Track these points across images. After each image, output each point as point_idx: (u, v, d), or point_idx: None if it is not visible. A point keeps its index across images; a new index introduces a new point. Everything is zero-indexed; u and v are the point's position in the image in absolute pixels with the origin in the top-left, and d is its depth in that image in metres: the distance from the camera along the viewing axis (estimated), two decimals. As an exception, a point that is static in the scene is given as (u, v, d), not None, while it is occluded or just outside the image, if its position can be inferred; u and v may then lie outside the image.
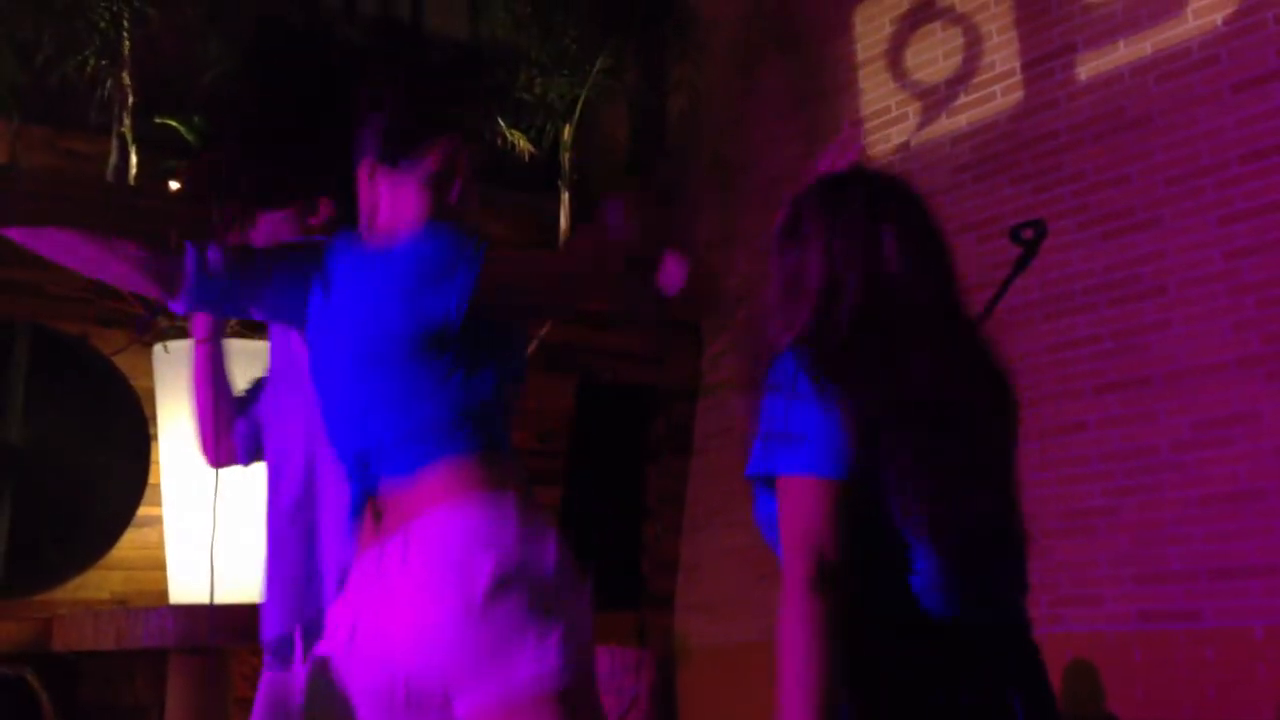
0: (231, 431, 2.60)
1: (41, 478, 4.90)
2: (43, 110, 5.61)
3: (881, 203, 1.88)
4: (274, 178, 2.48)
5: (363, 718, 1.98)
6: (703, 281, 6.78)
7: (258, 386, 2.67)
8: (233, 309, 2.32)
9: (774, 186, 6.46)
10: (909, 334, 1.78)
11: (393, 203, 2.15)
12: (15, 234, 2.23)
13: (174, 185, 5.31)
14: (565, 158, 6.49)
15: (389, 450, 2.00)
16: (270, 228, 2.45)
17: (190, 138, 5.48)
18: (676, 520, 6.39)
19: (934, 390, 1.76)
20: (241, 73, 5.85)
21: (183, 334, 4.35)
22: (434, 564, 1.90)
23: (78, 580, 4.84)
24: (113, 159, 5.52)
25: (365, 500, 2.04)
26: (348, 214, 2.46)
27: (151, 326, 2.42)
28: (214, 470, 2.61)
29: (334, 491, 2.32)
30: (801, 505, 1.73)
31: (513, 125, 6.38)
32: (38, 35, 5.53)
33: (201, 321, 2.62)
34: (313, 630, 2.28)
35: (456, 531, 1.93)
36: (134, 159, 5.49)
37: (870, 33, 6.22)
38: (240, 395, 2.65)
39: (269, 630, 2.42)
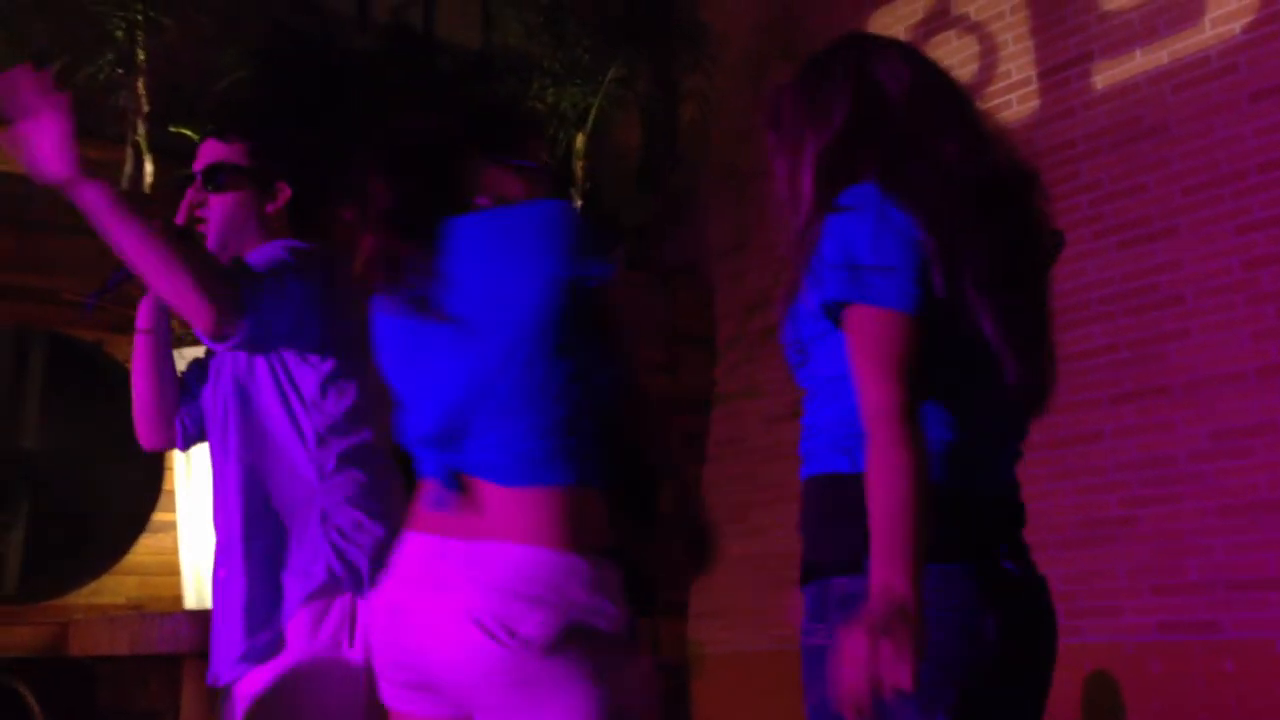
0: (174, 416, 2.59)
1: (57, 484, 4.92)
2: (59, 118, 5.63)
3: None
4: (228, 163, 2.45)
5: (384, 694, 1.96)
6: (716, 290, 6.79)
7: (196, 369, 2.66)
8: (269, 345, 2.31)
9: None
10: (983, 196, 1.75)
11: (499, 191, 2.05)
12: (106, 214, 2.19)
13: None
14: (578, 166, 6.50)
15: (490, 448, 1.87)
16: (221, 214, 2.44)
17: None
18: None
19: (1007, 252, 1.74)
20: (253, 80, 5.90)
21: (196, 341, 4.35)
22: (501, 596, 1.80)
23: (93, 586, 4.85)
24: (128, 168, 5.54)
25: (429, 479, 1.92)
26: (306, 200, 2.46)
27: (96, 308, 2.40)
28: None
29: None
30: (888, 337, 1.66)
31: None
32: (52, 44, 5.55)
33: (145, 310, 2.58)
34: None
35: (534, 571, 1.82)
36: (149, 167, 5.51)
37: (885, 42, 6.22)
38: (180, 379, 2.64)
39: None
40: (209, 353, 2.59)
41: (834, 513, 1.75)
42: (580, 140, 6.50)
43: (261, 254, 2.40)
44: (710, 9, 6.86)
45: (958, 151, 1.77)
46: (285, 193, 2.50)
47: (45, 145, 2.19)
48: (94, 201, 2.21)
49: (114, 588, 4.86)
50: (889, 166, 1.75)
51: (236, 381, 2.41)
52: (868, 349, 1.67)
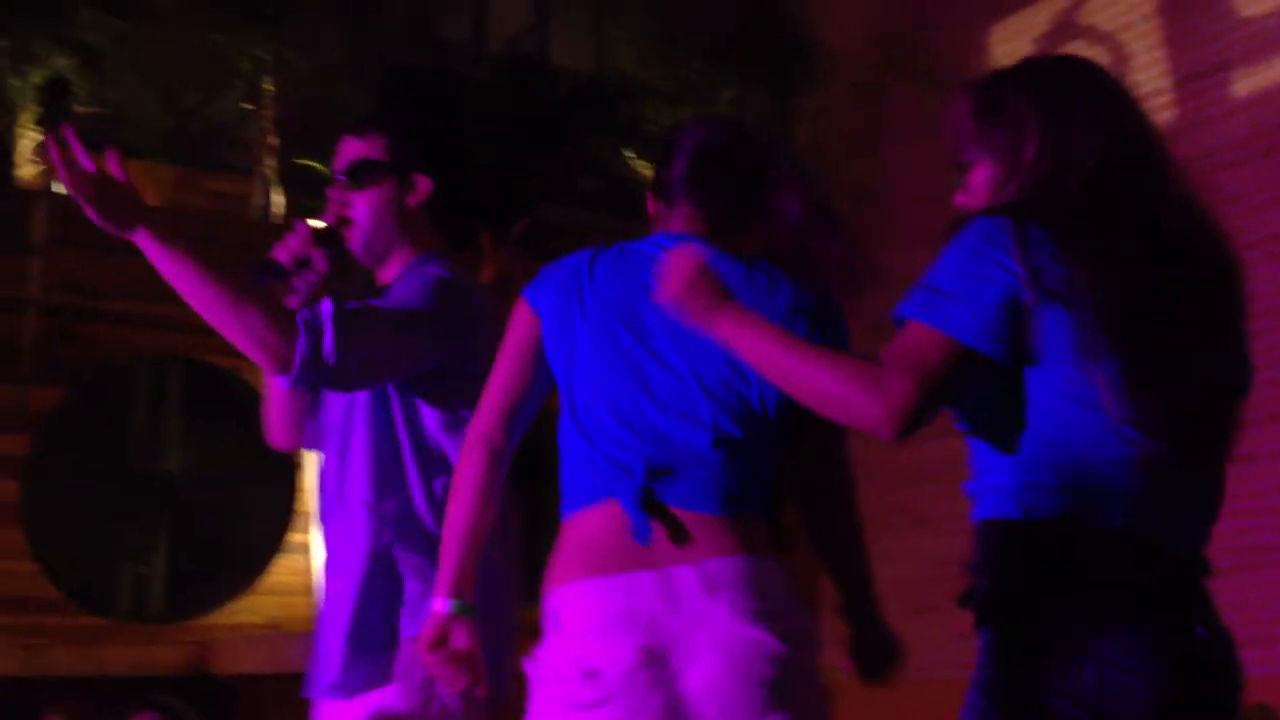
0: (306, 418, 2.48)
1: (196, 507, 5.07)
2: (191, 154, 5.83)
3: (1097, 84, 1.80)
4: (366, 159, 2.37)
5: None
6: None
7: None
8: (348, 385, 2.26)
9: (908, 214, 6.41)
10: (1131, 225, 1.66)
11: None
12: (161, 260, 2.20)
13: (315, 223, 5.48)
14: (692, 187, 6.52)
15: (702, 483, 1.89)
16: (367, 210, 2.37)
17: (329, 177, 5.65)
18: (817, 553, 6.32)
19: (1155, 293, 1.64)
20: (375, 112, 6.05)
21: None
22: (762, 599, 1.84)
23: (232, 606, 4.98)
24: (257, 199, 5.72)
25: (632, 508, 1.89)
26: (446, 193, 2.41)
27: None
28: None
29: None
30: (928, 349, 1.63)
31: (639, 157, 6.44)
32: (183, 80, 5.75)
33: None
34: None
35: (778, 586, 1.88)
36: (277, 199, 5.67)
37: (1008, 54, 6.14)
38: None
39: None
40: None
41: (1003, 560, 1.69)
42: (695, 162, 6.53)
43: (402, 288, 2.32)
44: (825, 27, 6.84)
45: (1135, 207, 1.68)
46: (425, 184, 2.39)
47: (101, 199, 2.23)
48: (148, 248, 2.22)
49: (252, 607, 4.98)
50: (1040, 205, 1.68)
51: (352, 397, 2.34)
52: (903, 349, 1.65)
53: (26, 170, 5.26)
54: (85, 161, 2.18)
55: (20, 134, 5.25)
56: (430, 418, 2.31)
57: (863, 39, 6.80)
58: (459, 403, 2.28)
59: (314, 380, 2.17)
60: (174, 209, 5.66)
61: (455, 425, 2.29)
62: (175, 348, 5.09)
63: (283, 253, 2.31)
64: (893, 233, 6.44)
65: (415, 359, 2.25)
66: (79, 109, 5.34)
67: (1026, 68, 1.85)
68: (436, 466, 2.30)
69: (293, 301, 2.33)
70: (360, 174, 2.37)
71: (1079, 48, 5.83)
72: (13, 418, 4.68)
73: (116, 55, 5.50)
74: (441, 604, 1.96)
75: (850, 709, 6.09)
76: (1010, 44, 6.14)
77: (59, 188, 5.33)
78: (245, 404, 4.93)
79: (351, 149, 2.40)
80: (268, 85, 5.80)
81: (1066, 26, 5.91)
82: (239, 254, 5.15)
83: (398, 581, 2.27)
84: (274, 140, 5.76)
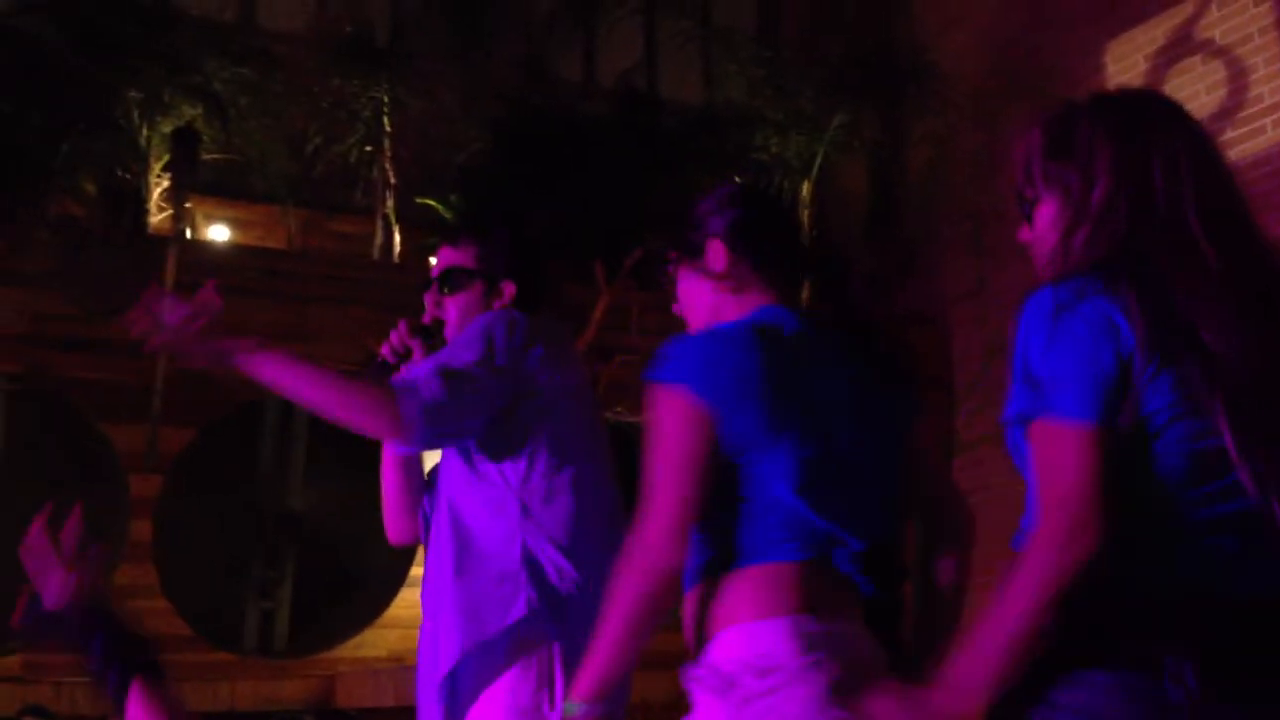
0: (415, 511, 2.63)
1: (321, 542, 5.19)
2: (314, 197, 6.00)
3: (1177, 126, 1.70)
4: (458, 266, 2.57)
5: None
6: (953, 335, 6.67)
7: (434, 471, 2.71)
8: (459, 440, 2.42)
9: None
10: (1214, 284, 1.59)
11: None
12: (260, 373, 2.37)
13: (434, 261, 5.59)
14: (805, 215, 6.51)
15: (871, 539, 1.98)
16: (458, 312, 2.56)
17: (448, 215, 5.76)
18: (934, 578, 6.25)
19: (1243, 352, 1.56)
20: (490, 151, 6.16)
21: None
22: None
23: (356, 639, 5.07)
24: (378, 239, 5.85)
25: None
26: (529, 295, 2.55)
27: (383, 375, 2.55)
28: None
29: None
30: (1060, 453, 1.56)
31: (750, 185, 6.44)
32: (306, 128, 5.92)
33: None
34: None
35: None
36: (397, 238, 5.79)
37: (1124, 70, 6.03)
38: (427, 477, 2.69)
39: None
40: None
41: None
42: (806, 188, 6.52)
43: (475, 326, 2.47)
44: (938, 49, 6.78)
45: (1220, 256, 1.61)
46: (510, 289, 2.56)
47: (196, 346, 2.42)
48: (248, 368, 2.39)
49: (376, 641, 5.06)
50: (1120, 259, 1.61)
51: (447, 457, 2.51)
52: (1039, 467, 1.59)
53: (158, 217, 5.45)
54: (175, 314, 2.40)
55: (153, 182, 5.44)
56: (503, 457, 2.41)
57: (977, 60, 6.73)
58: (534, 436, 2.39)
59: (428, 435, 2.31)
60: (300, 252, 5.82)
61: (532, 463, 2.41)
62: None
63: (386, 349, 2.51)
64: (1010, 254, 6.36)
65: (490, 395, 2.37)
66: (207, 157, 5.53)
67: (1101, 102, 1.77)
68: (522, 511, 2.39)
69: None
70: (452, 281, 2.55)
71: (1196, 62, 5.69)
72: (145, 459, 4.83)
73: (243, 103, 5.70)
74: (585, 712, 1.90)
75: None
76: (1126, 60, 6.02)
77: (189, 234, 5.53)
78: (367, 441, 5.04)
79: (446, 257, 2.58)
80: (387, 128, 5.94)
81: (1183, 40, 5.77)
82: (363, 292, 5.31)
83: (484, 593, 2.36)
84: (394, 181, 5.90)
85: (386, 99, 5.90)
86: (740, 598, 1.89)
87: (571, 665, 2.27)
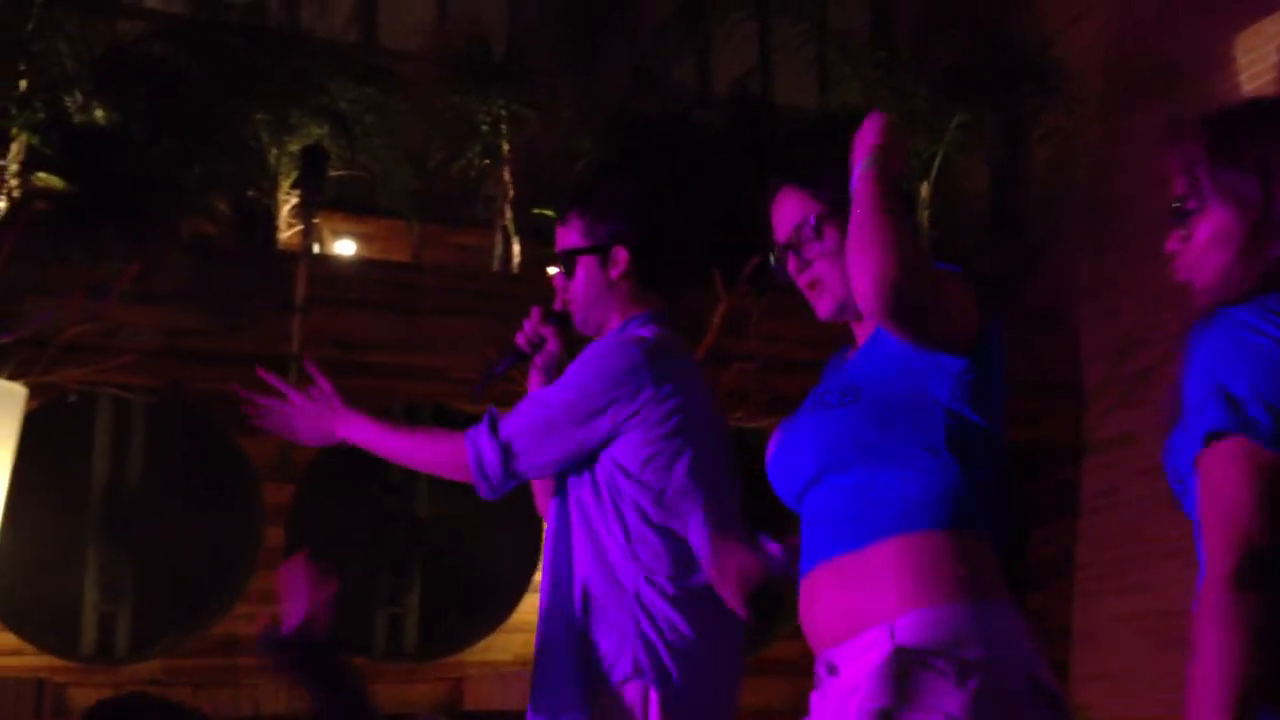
0: None
1: (447, 549, 5.29)
2: (436, 210, 6.12)
3: None
4: (567, 247, 2.53)
5: None
6: (1081, 334, 6.53)
7: None
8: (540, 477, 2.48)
9: (1156, 231, 6.16)
10: None
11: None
12: (355, 431, 2.52)
13: (552, 271, 5.66)
14: (923, 216, 6.44)
15: None
16: (579, 293, 2.51)
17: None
18: (1066, 587, 6.13)
19: None
20: (605, 161, 6.21)
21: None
22: None
23: (483, 643, 5.15)
24: (498, 250, 5.94)
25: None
26: (647, 260, 2.52)
27: (484, 391, 2.61)
28: None
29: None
30: (1229, 481, 1.47)
31: (868, 189, 6.40)
32: (427, 144, 6.05)
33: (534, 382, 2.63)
34: None
35: None
36: (516, 249, 5.88)
37: (1255, 62, 5.84)
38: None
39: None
40: None
41: None
42: (925, 189, 6.46)
43: (583, 359, 2.47)
44: (1059, 44, 6.65)
45: None
46: (623, 255, 2.50)
47: (305, 428, 2.61)
48: (349, 437, 2.55)
49: (503, 645, 5.14)
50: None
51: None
52: (1206, 496, 1.51)
53: (286, 233, 5.62)
54: (292, 400, 2.60)
55: (282, 200, 5.61)
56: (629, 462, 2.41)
57: (1099, 55, 6.59)
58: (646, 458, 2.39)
59: (504, 483, 2.41)
60: (423, 265, 5.94)
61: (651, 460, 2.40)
62: (428, 395, 5.32)
63: (520, 338, 2.53)
64: (1134, 251, 6.22)
65: (576, 440, 2.40)
66: (333, 174, 5.68)
67: (1268, 108, 1.67)
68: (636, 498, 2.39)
69: (534, 379, 2.55)
70: (566, 261, 2.53)
71: (1331, 52, 5.51)
72: (279, 468, 4.98)
73: (367, 121, 5.84)
74: None
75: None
76: (1256, 52, 5.83)
77: (316, 249, 5.68)
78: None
79: (559, 239, 2.57)
80: (505, 141, 6.04)
81: (1317, 30, 5.59)
82: (483, 303, 5.40)
83: (590, 627, 2.38)
84: (512, 193, 5.99)
85: (504, 112, 5.99)
86: (930, 573, 1.78)
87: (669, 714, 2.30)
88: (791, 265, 2.05)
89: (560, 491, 2.47)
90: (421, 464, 2.55)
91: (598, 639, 2.35)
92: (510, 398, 2.49)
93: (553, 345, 2.52)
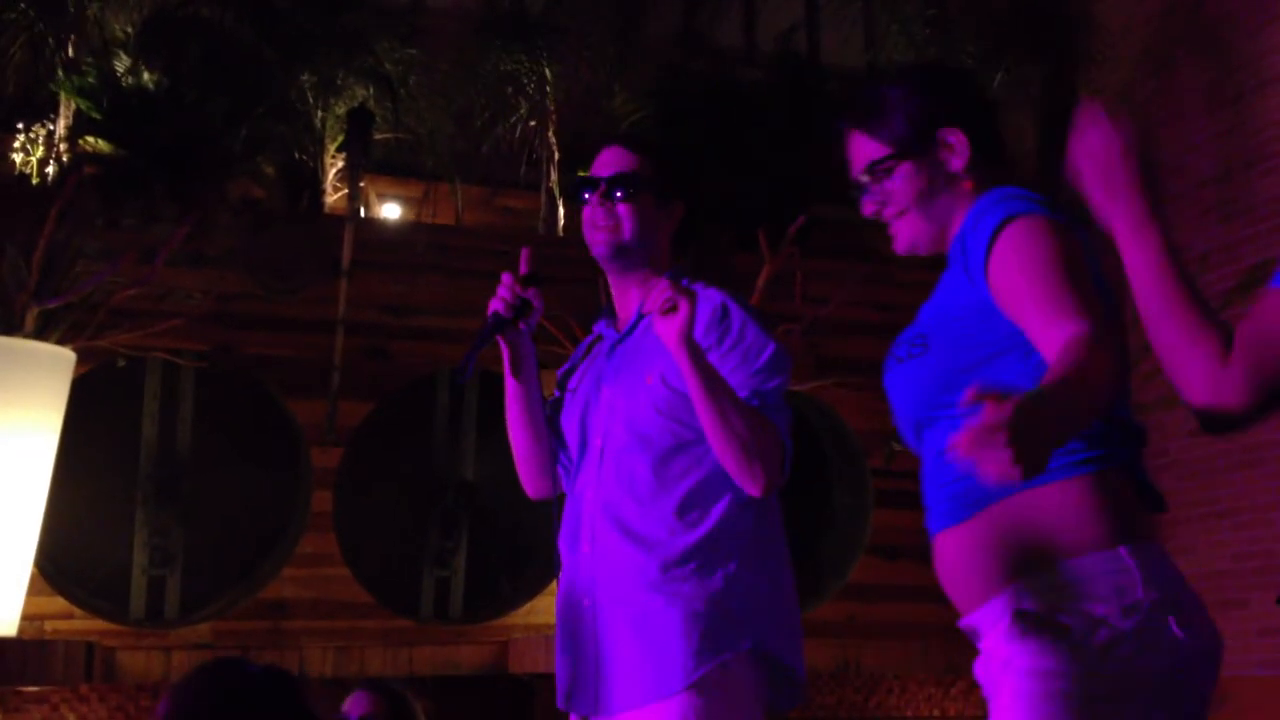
0: (552, 466, 2.52)
1: (493, 512, 5.30)
2: (481, 172, 6.11)
3: None
4: (633, 172, 2.46)
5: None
6: (1124, 297, 6.44)
7: (552, 411, 2.58)
8: None
9: (1199, 190, 6.05)
10: None
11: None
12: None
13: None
14: (972, 176, 6.36)
15: None
16: (635, 221, 2.43)
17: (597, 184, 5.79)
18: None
19: None
20: (650, 120, 6.16)
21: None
22: None
23: (528, 606, 5.18)
24: (543, 212, 5.92)
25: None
26: (693, 220, 2.52)
27: (467, 371, 2.44)
28: None
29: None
30: None
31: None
32: (474, 105, 6.02)
33: (510, 357, 2.48)
34: None
35: None
36: (561, 211, 5.86)
37: (1311, 12, 5.72)
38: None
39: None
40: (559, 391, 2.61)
41: None
42: (973, 149, 6.37)
43: (747, 339, 2.35)
44: (1105, 1, 6.54)
45: None
46: (680, 211, 2.48)
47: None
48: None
49: (548, 608, 5.15)
50: None
51: (631, 417, 2.39)
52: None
53: (333, 197, 5.62)
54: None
55: (328, 163, 5.61)
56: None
57: (1147, 10, 6.46)
58: None
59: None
60: (469, 228, 5.94)
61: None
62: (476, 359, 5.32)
63: (500, 305, 2.39)
64: (1179, 211, 6.11)
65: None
66: (378, 136, 5.67)
67: None
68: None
69: (526, 346, 2.46)
70: (628, 184, 2.44)
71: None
72: (327, 432, 5.01)
73: (412, 83, 5.82)
74: None
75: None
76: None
77: (362, 211, 5.68)
78: (536, 412, 5.13)
79: (619, 159, 2.48)
80: (550, 103, 6.00)
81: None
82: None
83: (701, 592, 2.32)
84: (557, 155, 5.96)
85: (549, 73, 5.96)
86: (1072, 517, 1.68)
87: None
88: (868, 202, 2.03)
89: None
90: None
91: (681, 586, 2.32)
92: (550, 357, 2.42)
93: (538, 305, 2.41)
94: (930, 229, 2.00)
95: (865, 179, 2.01)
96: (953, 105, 2.03)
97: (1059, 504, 1.70)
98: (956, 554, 1.78)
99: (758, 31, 7.09)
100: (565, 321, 4.69)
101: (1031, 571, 1.68)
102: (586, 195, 2.47)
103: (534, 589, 5.17)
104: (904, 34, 6.62)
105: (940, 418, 1.82)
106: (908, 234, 2.01)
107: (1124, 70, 6.43)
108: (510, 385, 2.50)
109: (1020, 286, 1.76)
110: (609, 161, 2.49)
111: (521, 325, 2.42)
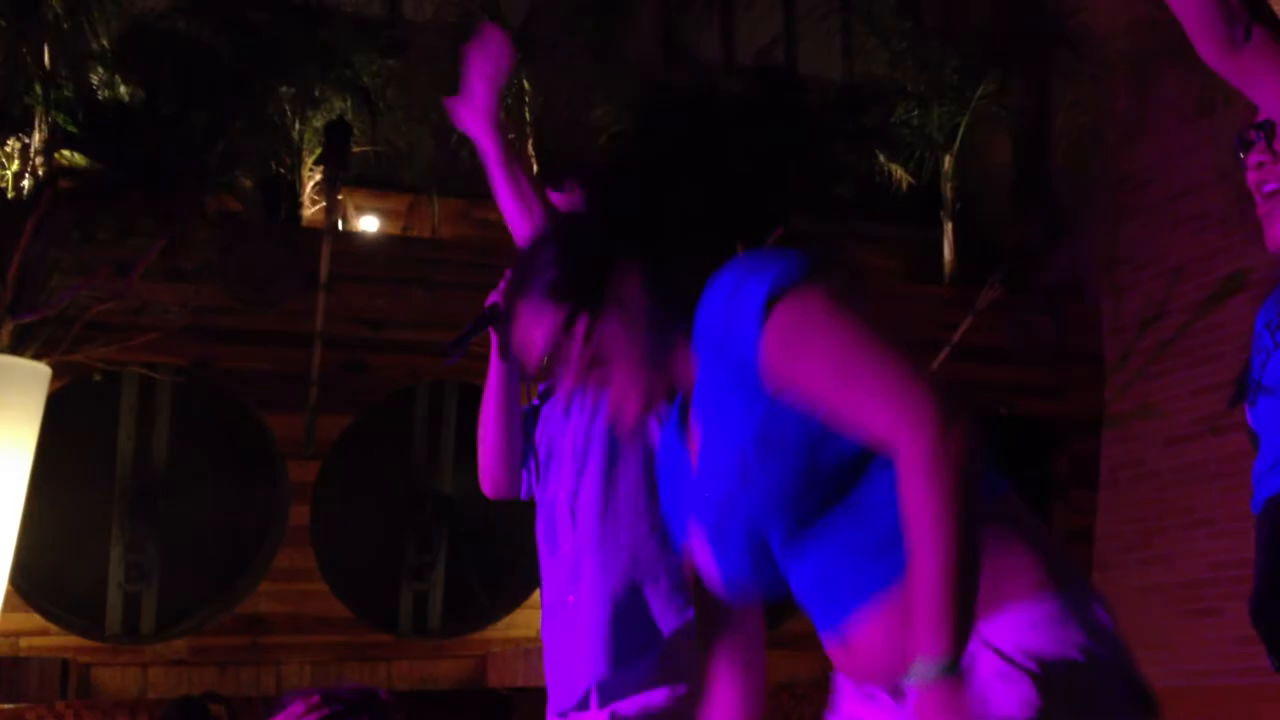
0: (518, 464, 2.50)
1: (471, 525, 5.29)
2: (458, 185, 6.08)
3: None
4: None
5: None
6: (1103, 305, 6.47)
7: (528, 417, 2.56)
8: None
9: (1177, 201, 6.09)
10: None
11: None
12: None
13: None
14: (947, 188, 6.38)
15: None
16: None
17: (588, 199, 5.79)
18: (1085, 557, 6.11)
19: None
20: (629, 133, 6.17)
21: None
22: None
23: (507, 620, 5.16)
24: (525, 226, 5.90)
25: None
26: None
27: (456, 355, 2.43)
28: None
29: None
30: None
31: (891, 159, 6.35)
32: (442, 119, 5.99)
33: (495, 357, 2.50)
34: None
35: None
36: (540, 223, 5.85)
37: (1288, 27, 5.76)
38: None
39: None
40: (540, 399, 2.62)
41: None
42: (948, 161, 6.39)
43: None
44: (1087, 9, 6.56)
45: None
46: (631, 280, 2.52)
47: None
48: None
49: (527, 622, 5.14)
50: None
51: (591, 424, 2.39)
52: None
53: (311, 210, 5.60)
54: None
55: (306, 176, 5.59)
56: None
57: (1127, 21, 6.50)
58: None
59: None
60: (447, 240, 5.92)
61: None
62: (453, 372, 5.31)
63: (498, 296, 2.44)
64: (1156, 222, 6.15)
65: None
66: (356, 149, 5.65)
67: None
68: None
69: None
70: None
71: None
72: (303, 446, 4.98)
73: (390, 95, 5.80)
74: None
75: None
76: (1290, 18, 5.74)
77: (340, 225, 5.67)
78: (515, 425, 5.12)
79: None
80: (527, 115, 5.99)
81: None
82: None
83: (641, 567, 2.33)
84: (536, 167, 5.94)
85: (527, 85, 5.95)
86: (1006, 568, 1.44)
87: None
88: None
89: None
90: None
91: (650, 578, 2.34)
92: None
93: None
94: None
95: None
96: None
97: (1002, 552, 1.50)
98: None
99: (736, 44, 7.10)
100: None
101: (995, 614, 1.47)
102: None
103: (513, 603, 5.15)
104: (883, 47, 6.65)
105: None
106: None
107: (1105, 80, 6.47)
108: (495, 369, 2.51)
109: None
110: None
111: None
